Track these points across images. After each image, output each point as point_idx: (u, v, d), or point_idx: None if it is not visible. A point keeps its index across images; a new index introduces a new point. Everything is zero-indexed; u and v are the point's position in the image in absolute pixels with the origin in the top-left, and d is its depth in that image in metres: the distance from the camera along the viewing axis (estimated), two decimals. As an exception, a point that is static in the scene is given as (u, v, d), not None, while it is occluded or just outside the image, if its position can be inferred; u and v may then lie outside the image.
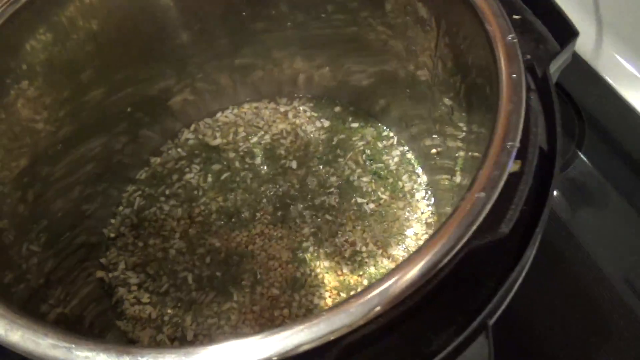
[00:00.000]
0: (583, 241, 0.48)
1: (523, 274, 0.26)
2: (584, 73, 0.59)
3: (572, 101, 0.59)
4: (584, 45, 0.60)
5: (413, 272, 0.22)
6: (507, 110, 0.25)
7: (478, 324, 0.23)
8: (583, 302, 0.46)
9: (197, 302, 0.44)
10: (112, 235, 0.48)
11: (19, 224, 0.34)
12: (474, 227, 0.22)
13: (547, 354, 0.44)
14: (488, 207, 0.23)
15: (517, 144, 0.24)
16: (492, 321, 0.24)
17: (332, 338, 0.21)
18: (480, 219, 0.22)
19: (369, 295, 0.21)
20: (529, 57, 0.33)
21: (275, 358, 0.20)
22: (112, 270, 0.46)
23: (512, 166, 0.25)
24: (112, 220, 0.49)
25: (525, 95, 0.26)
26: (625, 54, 0.58)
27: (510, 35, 0.28)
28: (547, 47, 0.33)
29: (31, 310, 0.32)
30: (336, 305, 0.21)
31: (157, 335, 0.42)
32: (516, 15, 0.35)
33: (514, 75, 0.26)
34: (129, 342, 0.42)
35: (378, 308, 0.21)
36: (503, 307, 0.25)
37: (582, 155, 0.55)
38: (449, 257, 0.22)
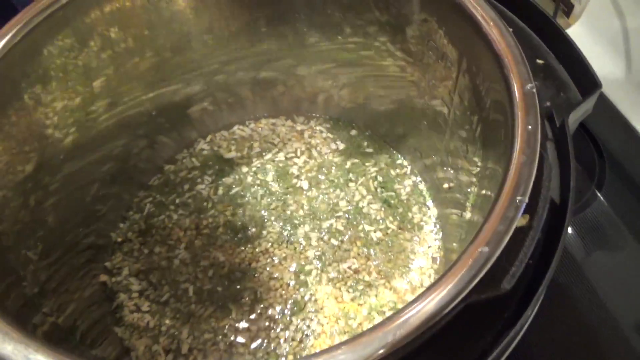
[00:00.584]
0: (595, 283, 0.48)
1: (522, 331, 0.25)
2: (610, 115, 0.58)
3: (595, 141, 0.58)
4: (612, 88, 0.59)
5: (409, 323, 0.21)
6: (520, 163, 0.25)
7: (471, 381, 0.23)
8: (591, 345, 0.45)
9: (195, 315, 0.44)
10: (119, 239, 0.48)
11: (19, 230, 0.35)
12: (474, 283, 0.22)
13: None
14: (491, 262, 0.22)
15: (527, 199, 0.24)
16: (486, 378, 0.24)
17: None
18: (482, 274, 0.22)
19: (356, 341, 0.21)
20: (548, 104, 0.32)
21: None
22: (116, 275, 0.46)
23: (520, 220, 0.24)
24: (121, 225, 0.49)
25: (539, 149, 0.26)
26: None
27: (530, 85, 0.27)
28: (569, 95, 0.33)
29: (24, 318, 0.32)
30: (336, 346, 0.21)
31: (153, 345, 0.42)
32: (540, 59, 0.35)
33: (530, 127, 0.26)
34: (124, 349, 0.42)
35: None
36: (499, 363, 0.25)
37: (600, 197, 0.54)
38: (445, 312, 0.21)
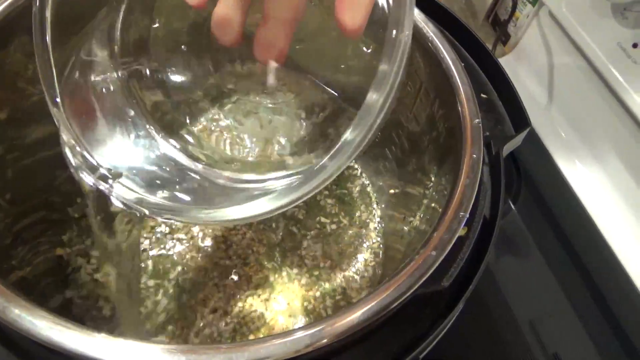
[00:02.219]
0: (501, 284, 0.55)
1: (453, 319, 0.31)
2: (531, 140, 0.66)
3: (515, 160, 0.66)
4: (534, 116, 0.66)
5: (365, 310, 0.26)
6: (464, 185, 0.30)
7: (412, 358, 0.28)
8: (492, 334, 0.52)
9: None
10: (76, 215, 0.49)
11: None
12: (423, 279, 0.27)
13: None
14: (437, 264, 0.28)
15: (468, 215, 0.30)
16: (422, 355, 0.30)
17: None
18: (429, 273, 0.27)
19: (320, 327, 0.25)
20: (487, 134, 0.38)
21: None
22: (72, 247, 0.47)
23: (460, 231, 0.30)
24: (78, 200, 0.50)
25: (480, 173, 0.31)
26: (566, 130, 0.65)
27: (477, 120, 0.33)
28: (504, 129, 0.39)
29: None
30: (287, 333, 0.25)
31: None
32: (484, 94, 0.41)
33: (474, 155, 0.32)
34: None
35: (325, 340, 0.25)
36: (433, 345, 0.30)
37: (514, 210, 0.62)
38: (399, 302, 0.26)
